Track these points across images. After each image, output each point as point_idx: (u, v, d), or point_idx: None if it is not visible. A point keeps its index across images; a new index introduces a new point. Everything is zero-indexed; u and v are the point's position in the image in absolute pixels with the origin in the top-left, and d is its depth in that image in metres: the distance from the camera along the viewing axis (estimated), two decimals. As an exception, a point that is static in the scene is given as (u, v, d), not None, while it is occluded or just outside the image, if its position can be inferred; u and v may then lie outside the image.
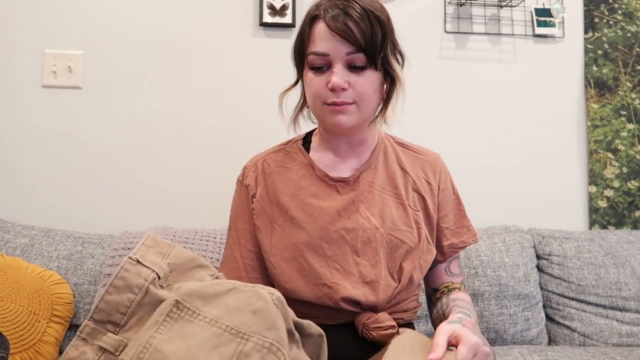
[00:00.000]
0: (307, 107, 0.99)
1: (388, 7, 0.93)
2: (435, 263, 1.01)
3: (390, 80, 0.93)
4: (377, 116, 0.95)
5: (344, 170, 0.98)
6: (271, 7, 1.68)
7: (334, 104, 0.88)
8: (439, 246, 1.01)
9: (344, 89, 0.88)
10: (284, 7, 1.67)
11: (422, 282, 1.03)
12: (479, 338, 0.74)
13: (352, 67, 0.88)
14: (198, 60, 1.67)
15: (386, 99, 0.94)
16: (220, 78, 1.68)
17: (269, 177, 0.99)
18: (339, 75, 0.87)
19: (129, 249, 1.38)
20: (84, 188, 1.62)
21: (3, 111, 1.61)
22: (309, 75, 0.91)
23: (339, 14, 0.86)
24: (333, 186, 0.95)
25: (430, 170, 1.01)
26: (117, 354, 0.59)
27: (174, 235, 1.44)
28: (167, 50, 1.66)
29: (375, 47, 0.87)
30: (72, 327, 1.38)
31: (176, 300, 0.59)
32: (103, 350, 0.59)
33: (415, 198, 0.98)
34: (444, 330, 0.73)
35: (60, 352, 1.34)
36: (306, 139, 1.04)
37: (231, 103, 1.67)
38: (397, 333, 0.89)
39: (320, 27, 0.88)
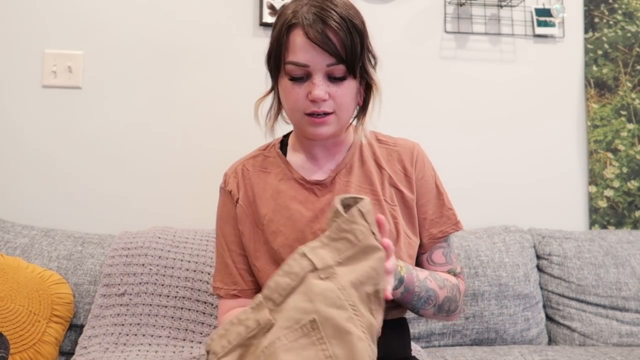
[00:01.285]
0: (282, 111, 0.99)
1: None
2: (418, 254, 1.01)
3: (365, 83, 0.94)
4: (353, 120, 0.96)
5: (321, 172, 0.99)
6: (271, 7, 1.68)
7: (315, 113, 0.89)
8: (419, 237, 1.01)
9: (324, 100, 0.88)
10: (284, 7, 1.67)
11: None
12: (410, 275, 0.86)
13: (332, 78, 0.88)
14: (198, 60, 1.67)
15: (363, 105, 0.95)
16: (220, 77, 1.68)
17: (248, 182, 1.00)
18: (320, 87, 0.87)
19: (129, 249, 1.39)
20: (84, 188, 1.62)
21: (3, 111, 1.61)
22: (287, 84, 0.90)
23: (318, 23, 0.85)
24: (310, 189, 0.96)
25: (407, 160, 1.01)
26: (264, 330, 0.70)
27: (174, 235, 1.44)
28: (167, 50, 1.66)
29: (355, 57, 0.87)
30: (72, 327, 1.38)
31: (314, 318, 0.68)
32: (258, 323, 0.70)
33: (392, 193, 0.98)
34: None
35: (60, 353, 1.35)
36: (284, 142, 1.05)
37: (232, 102, 1.67)
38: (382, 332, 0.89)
39: (299, 36, 0.87)
